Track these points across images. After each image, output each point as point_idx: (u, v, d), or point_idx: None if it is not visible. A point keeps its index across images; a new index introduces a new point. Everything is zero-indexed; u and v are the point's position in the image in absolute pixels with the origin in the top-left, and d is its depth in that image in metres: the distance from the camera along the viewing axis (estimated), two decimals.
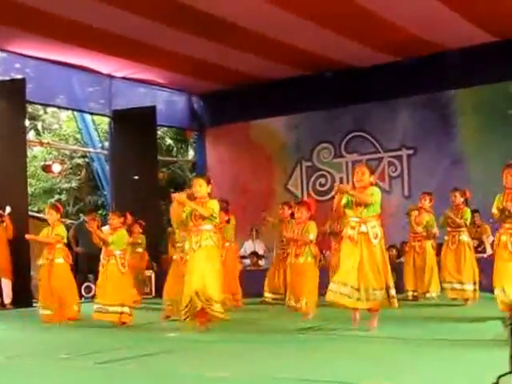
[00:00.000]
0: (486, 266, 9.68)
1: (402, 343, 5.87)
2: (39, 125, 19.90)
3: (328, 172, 14.39)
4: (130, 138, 14.05)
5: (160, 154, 16.67)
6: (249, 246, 13.77)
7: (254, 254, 13.25)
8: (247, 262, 13.20)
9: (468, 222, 9.31)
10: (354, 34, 11.70)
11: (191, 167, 18.49)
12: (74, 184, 19.32)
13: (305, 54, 12.63)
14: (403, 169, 13.61)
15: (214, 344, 6.29)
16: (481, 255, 11.08)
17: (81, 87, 13.80)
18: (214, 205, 6.99)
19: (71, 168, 19.31)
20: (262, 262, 13.18)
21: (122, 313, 7.95)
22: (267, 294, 10.03)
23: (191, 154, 19.13)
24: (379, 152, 13.82)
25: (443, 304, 9.19)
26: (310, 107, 14.10)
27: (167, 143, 19.35)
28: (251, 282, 10.69)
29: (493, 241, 10.48)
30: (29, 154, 15.29)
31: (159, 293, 9.87)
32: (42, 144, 15.71)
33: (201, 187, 7.02)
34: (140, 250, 11.51)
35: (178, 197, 7.18)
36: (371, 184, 6.67)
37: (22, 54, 12.41)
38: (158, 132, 16.82)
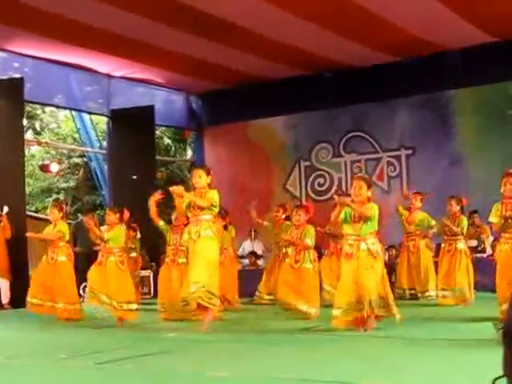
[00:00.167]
0: (486, 266, 9.70)
1: (401, 343, 5.87)
2: (37, 124, 19.88)
3: (327, 172, 14.38)
4: (128, 138, 14.03)
5: (158, 154, 16.68)
6: (247, 246, 13.77)
7: (253, 253, 13.25)
8: (246, 261, 13.20)
9: (464, 231, 9.30)
10: (354, 34, 11.69)
11: (189, 167, 18.47)
12: (71, 183, 19.34)
13: (303, 54, 12.62)
14: (402, 169, 13.60)
15: (213, 344, 6.27)
16: (480, 255, 11.09)
17: (79, 86, 13.77)
18: (214, 194, 6.95)
19: (69, 167, 19.33)
20: (260, 262, 13.17)
21: (128, 310, 7.96)
22: (265, 296, 10.06)
23: (189, 153, 19.14)
24: (378, 152, 13.81)
25: (442, 304, 9.18)
26: (308, 107, 14.09)
27: (165, 143, 19.37)
28: (250, 281, 10.69)
29: (493, 240, 10.52)
30: (27, 153, 15.29)
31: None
32: (39, 143, 15.70)
33: (200, 178, 7.00)
34: (134, 254, 11.48)
35: (176, 189, 7.18)
36: (369, 199, 6.61)
37: (20, 53, 12.38)
38: (157, 132, 16.83)
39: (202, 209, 6.89)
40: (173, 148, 19.54)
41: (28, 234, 9.38)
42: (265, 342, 6.33)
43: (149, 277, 12.71)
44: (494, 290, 7.12)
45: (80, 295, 10.90)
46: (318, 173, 14.48)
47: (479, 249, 11.36)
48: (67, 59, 12.78)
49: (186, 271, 7.30)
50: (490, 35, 11.81)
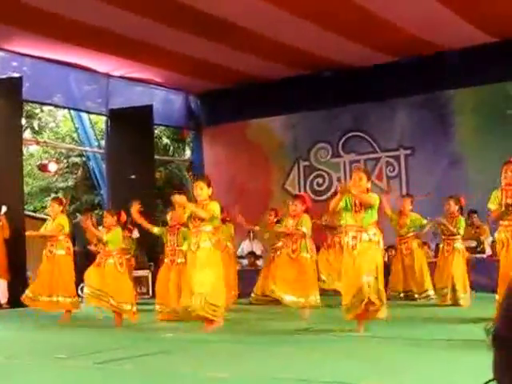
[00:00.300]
0: (485, 267, 9.70)
1: (400, 344, 5.86)
2: (35, 123, 19.86)
3: (325, 172, 14.37)
4: (127, 137, 14.01)
5: (157, 154, 16.66)
6: (246, 246, 13.75)
7: (252, 254, 13.24)
8: (245, 262, 13.19)
9: (461, 231, 9.25)
10: (353, 34, 11.68)
11: (188, 166, 18.45)
12: (70, 183, 19.31)
13: (302, 54, 12.60)
14: (401, 169, 13.58)
15: (211, 344, 6.26)
16: (480, 256, 11.08)
17: (78, 86, 13.76)
18: (215, 206, 7.04)
19: (67, 167, 19.30)
20: (259, 262, 13.14)
21: (128, 310, 7.95)
22: (260, 297, 10.10)
23: (188, 153, 19.12)
24: (377, 152, 13.79)
25: (441, 305, 9.17)
26: (307, 107, 14.08)
27: (164, 142, 19.34)
28: (249, 281, 10.69)
29: (492, 241, 10.51)
30: (25, 152, 15.27)
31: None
32: (38, 143, 15.66)
33: (202, 190, 7.07)
34: (127, 256, 11.46)
35: (178, 199, 7.22)
36: (368, 190, 6.60)
37: (19, 53, 12.37)
38: (155, 131, 16.80)
39: (202, 220, 6.95)
40: (171, 148, 19.52)
41: (28, 233, 9.36)
42: (264, 342, 6.32)
43: (147, 277, 12.69)
44: (493, 291, 7.10)
45: (78, 295, 10.88)
46: (317, 173, 14.46)
47: (478, 249, 11.35)
48: (66, 58, 12.76)
49: (185, 271, 7.32)
50: (489, 35, 11.80)
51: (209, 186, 7.10)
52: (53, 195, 18.72)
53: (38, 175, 18.69)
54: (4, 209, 10.94)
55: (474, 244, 11.20)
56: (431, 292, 9.79)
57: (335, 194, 6.93)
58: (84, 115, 15.60)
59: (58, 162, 15.12)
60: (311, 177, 14.52)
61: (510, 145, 11.68)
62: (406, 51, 12.49)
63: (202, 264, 6.91)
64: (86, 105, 14.36)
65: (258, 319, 8.48)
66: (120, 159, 14.01)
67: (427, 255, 11.44)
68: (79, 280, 11.92)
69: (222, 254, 8.80)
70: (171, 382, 4.56)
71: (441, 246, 9.48)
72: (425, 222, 9.87)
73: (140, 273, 12.50)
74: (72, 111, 15.70)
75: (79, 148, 16.94)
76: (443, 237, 9.33)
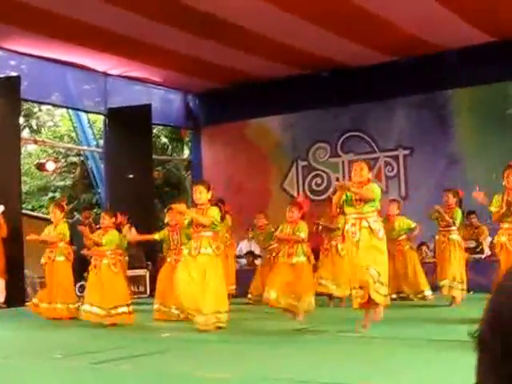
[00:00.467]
0: (484, 267, 9.68)
1: (398, 344, 5.85)
2: (34, 122, 19.84)
3: (324, 172, 14.34)
4: (125, 137, 13.98)
5: (155, 153, 16.64)
6: (245, 246, 13.73)
7: (250, 253, 13.22)
8: (243, 261, 13.17)
9: (457, 223, 9.18)
10: (351, 34, 11.65)
11: (186, 166, 18.45)
12: (68, 182, 19.29)
13: (301, 53, 12.58)
14: (400, 169, 13.56)
15: (209, 344, 6.24)
16: (478, 256, 11.07)
17: (76, 85, 13.73)
18: (215, 212, 7.05)
19: (66, 166, 19.27)
20: (258, 262, 13.12)
21: (122, 313, 7.94)
22: (256, 298, 10.14)
23: (186, 152, 19.10)
24: (375, 152, 13.76)
25: (441, 305, 9.14)
26: (306, 106, 14.05)
27: (162, 142, 19.33)
28: (248, 281, 10.68)
29: (491, 241, 10.49)
30: (23, 151, 15.23)
31: (154, 292, 9.83)
32: (36, 142, 15.63)
33: (201, 194, 7.08)
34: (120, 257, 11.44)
35: (177, 207, 7.22)
36: (369, 180, 6.62)
37: (17, 52, 12.34)
38: (154, 130, 16.78)
39: (203, 225, 6.95)
40: (170, 147, 19.50)
41: (29, 237, 9.37)
42: (263, 342, 6.30)
43: (144, 276, 12.66)
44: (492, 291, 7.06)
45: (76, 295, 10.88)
46: (316, 172, 14.43)
47: (477, 250, 11.33)
48: (64, 57, 12.73)
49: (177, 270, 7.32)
50: (488, 35, 11.78)
51: (208, 190, 7.11)
52: (51, 194, 18.73)
53: (35, 174, 18.65)
54: (1, 208, 10.91)
55: (472, 245, 11.18)
56: (428, 292, 9.76)
57: (334, 193, 6.93)
58: (82, 114, 15.57)
59: (56, 161, 15.07)
60: (310, 176, 14.49)
61: (509, 145, 11.68)
62: (404, 51, 12.46)
63: (202, 273, 6.90)
64: (84, 104, 14.34)
65: (256, 319, 8.46)
66: (118, 158, 13.98)
67: (426, 255, 11.44)
68: (76, 280, 11.95)
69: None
70: (168, 382, 4.54)
71: (436, 237, 9.45)
72: (413, 225, 9.90)
73: (137, 272, 12.47)
74: (70, 110, 15.68)
75: (77, 147, 16.92)
76: (440, 228, 9.31)
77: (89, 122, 15.97)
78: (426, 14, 10.69)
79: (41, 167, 14.04)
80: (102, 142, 15.51)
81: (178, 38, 11.54)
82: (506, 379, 0.93)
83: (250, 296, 10.41)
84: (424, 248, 11.64)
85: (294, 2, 10.27)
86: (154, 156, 16.07)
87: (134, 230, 12.62)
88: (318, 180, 14.40)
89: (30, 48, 12.15)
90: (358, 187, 6.50)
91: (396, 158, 13.58)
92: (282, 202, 12.52)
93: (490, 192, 7.40)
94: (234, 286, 10.53)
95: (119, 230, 8.70)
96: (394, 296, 9.97)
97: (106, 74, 13.96)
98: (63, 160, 19.22)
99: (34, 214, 17.00)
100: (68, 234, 9.04)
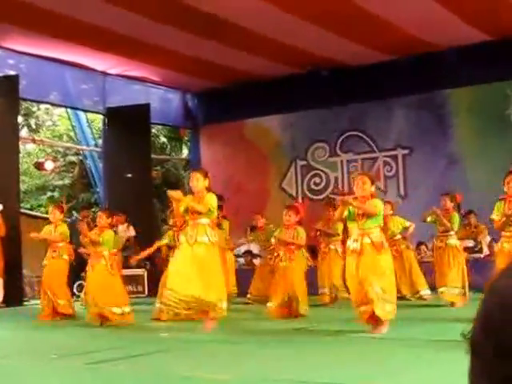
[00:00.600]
0: (483, 267, 9.65)
1: (398, 344, 5.83)
2: (32, 121, 19.82)
3: (323, 171, 14.32)
4: (124, 136, 13.96)
5: (154, 152, 16.62)
6: (243, 246, 13.69)
7: (249, 253, 13.19)
8: (242, 260, 13.15)
9: (455, 227, 9.15)
10: (350, 33, 11.64)
11: (185, 165, 18.43)
12: (66, 181, 19.27)
13: (300, 53, 12.56)
14: (398, 169, 13.54)
15: (209, 344, 6.22)
16: (477, 255, 11.05)
17: (74, 84, 13.71)
18: (212, 199, 6.90)
19: (64, 165, 19.25)
20: (256, 261, 13.10)
21: (122, 313, 7.93)
22: (255, 298, 10.14)
23: (185, 152, 19.09)
24: (374, 151, 13.75)
25: (440, 305, 9.13)
26: (305, 106, 14.03)
27: (161, 141, 19.31)
28: (247, 280, 10.67)
29: (490, 241, 10.47)
30: (22, 150, 15.21)
31: (152, 291, 9.83)
32: (34, 141, 15.60)
33: (198, 181, 6.92)
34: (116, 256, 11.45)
35: (173, 194, 7.11)
36: (372, 195, 6.56)
37: (15, 51, 12.31)
38: (152, 130, 16.75)
39: (199, 213, 6.85)
40: (168, 146, 19.48)
41: (32, 235, 9.37)
42: (262, 342, 6.27)
43: (143, 276, 12.64)
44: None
45: (74, 294, 10.90)
46: (315, 172, 14.41)
47: (476, 249, 11.32)
48: (63, 57, 12.71)
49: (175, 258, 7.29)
50: (487, 34, 11.78)
51: (205, 177, 6.95)
52: (49, 193, 18.71)
53: (34, 173, 18.63)
54: (0, 207, 10.88)
55: (471, 244, 11.18)
56: (425, 292, 9.74)
57: (333, 194, 6.93)
58: (81, 113, 15.53)
59: (54, 160, 15.06)
60: (308, 176, 14.47)
61: (508, 145, 11.68)
62: (403, 50, 12.45)
63: (199, 263, 6.81)
64: (82, 103, 14.31)
65: (255, 319, 8.45)
66: (117, 158, 13.96)
67: (425, 255, 11.42)
68: (74, 279, 11.94)
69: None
70: (167, 383, 4.52)
71: (434, 242, 9.43)
72: (407, 224, 9.89)
73: (136, 271, 12.45)
74: (69, 109, 15.65)
75: (76, 146, 16.88)
76: (438, 233, 9.29)
77: (87, 122, 15.94)
78: (425, 14, 10.68)
79: (39, 166, 14.02)
80: (100, 141, 15.48)
81: (177, 37, 11.53)
82: (499, 383, 0.90)
83: (249, 296, 10.43)
84: (423, 247, 11.63)
85: (294, 2, 10.26)
86: (153, 155, 16.05)
87: (132, 228, 12.64)
88: (317, 179, 14.38)
89: (28, 47, 12.13)
90: (361, 201, 6.46)
91: (395, 157, 13.56)
92: (281, 202, 12.54)
93: (490, 192, 7.39)
94: (235, 288, 10.51)
95: (114, 231, 8.72)
96: None
97: (104, 74, 13.95)
98: (62, 159, 19.21)
99: (33, 213, 16.99)
100: (68, 234, 9.06)
